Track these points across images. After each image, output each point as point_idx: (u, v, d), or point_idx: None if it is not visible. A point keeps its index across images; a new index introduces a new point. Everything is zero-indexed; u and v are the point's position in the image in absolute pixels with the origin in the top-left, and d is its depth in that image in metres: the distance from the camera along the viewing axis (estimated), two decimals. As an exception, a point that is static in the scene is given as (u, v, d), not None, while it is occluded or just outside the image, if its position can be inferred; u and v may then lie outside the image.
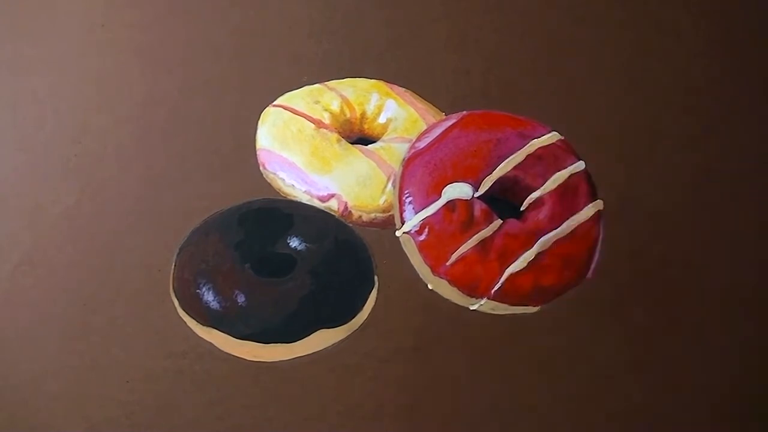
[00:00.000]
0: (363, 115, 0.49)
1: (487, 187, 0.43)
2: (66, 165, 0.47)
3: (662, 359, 0.43)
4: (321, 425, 0.42)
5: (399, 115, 0.48)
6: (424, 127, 0.47)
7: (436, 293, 0.43)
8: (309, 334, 0.42)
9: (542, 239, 0.42)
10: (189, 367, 0.42)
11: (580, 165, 0.45)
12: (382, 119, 0.49)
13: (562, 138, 0.45)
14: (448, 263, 0.42)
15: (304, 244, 0.44)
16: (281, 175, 0.46)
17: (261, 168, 0.47)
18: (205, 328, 0.42)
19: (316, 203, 0.46)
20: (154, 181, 0.47)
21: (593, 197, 0.44)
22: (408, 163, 0.44)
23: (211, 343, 0.43)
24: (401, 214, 0.43)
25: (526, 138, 0.45)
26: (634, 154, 0.49)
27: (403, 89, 0.50)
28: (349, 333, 0.43)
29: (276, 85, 0.49)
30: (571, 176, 0.44)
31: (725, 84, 0.51)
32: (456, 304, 0.43)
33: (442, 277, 0.42)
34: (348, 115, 0.48)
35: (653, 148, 0.49)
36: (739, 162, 0.49)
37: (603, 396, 0.43)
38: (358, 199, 0.45)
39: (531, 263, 0.42)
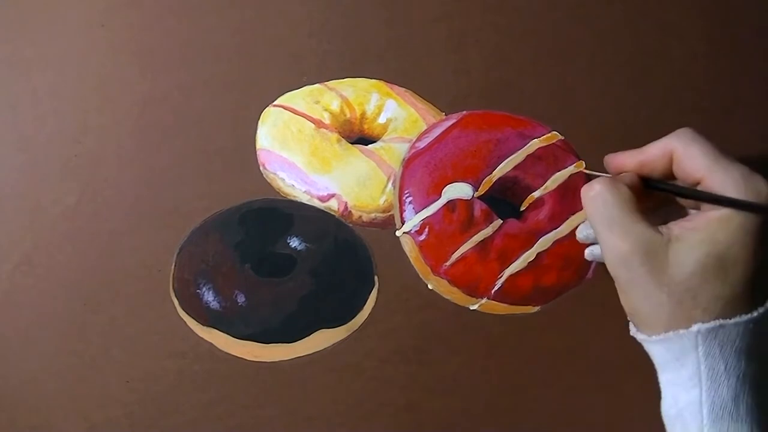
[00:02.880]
0: (363, 115, 0.49)
1: (487, 187, 0.43)
2: (66, 165, 0.47)
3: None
4: (321, 425, 0.42)
5: (399, 115, 0.48)
6: (424, 127, 0.47)
7: (436, 293, 0.43)
8: (309, 334, 0.42)
9: (542, 239, 0.42)
10: (189, 367, 0.42)
11: (580, 165, 0.45)
12: (382, 119, 0.49)
13: (562, 138, 0.45)
14: (448, 263, 0.42)
15: (304, 244, 0.44)
16: (281, 175, 0.46)
17: (261, 168, 0.47)
18: (205, 328, 0.42)
19: (316, 203, 0.46)
20: (154, 181, 0.47)
21: (593, 197, 0.44)
22: (408, 163, 0.44)
23: (211, 343, 0.43)
24: (401, 214, 0.43)
25: (526, 138, 0.45)
26: (634, 154, 0.49)
27: (403, 89, 0.50)
28: (349, 333, 0.43)
29: (276, 85, 0.49)
30: (571, 176, 0.44)
31: (725, 84, 0.51)
32: (456, 304, 0.43)
33: (442, 277, 0.42)
34: (348, 115, 0.48)
35: (653, 148, 0.49)
36: (739, 162, 0.49)
37: (602, 395, 0.43)
38: (358, 199, 0.45)
39: (531, 263, 0.42)
